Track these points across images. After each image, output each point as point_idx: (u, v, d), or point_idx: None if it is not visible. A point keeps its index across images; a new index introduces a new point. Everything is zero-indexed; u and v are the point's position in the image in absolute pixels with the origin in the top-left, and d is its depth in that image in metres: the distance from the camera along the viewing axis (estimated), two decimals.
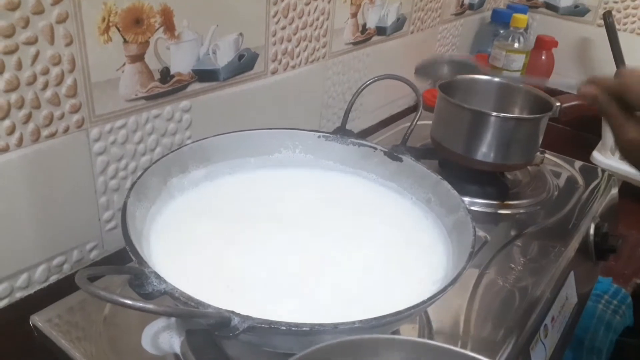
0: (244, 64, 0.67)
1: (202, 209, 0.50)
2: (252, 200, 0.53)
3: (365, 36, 0.86)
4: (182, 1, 0.56)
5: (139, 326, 0.48)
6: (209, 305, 0.33)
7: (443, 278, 0.45)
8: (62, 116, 0.50)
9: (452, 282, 0.39)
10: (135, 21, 0.53)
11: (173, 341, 0.47)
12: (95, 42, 0.50)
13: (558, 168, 0.88)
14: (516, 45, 1.04)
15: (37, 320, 0.49)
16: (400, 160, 0.56)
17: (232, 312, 0.32)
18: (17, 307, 0.53)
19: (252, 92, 0.69)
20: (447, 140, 0.75)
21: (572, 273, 0.67)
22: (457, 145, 0.73)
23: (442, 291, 0.38)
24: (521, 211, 0.72)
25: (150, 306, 0.28)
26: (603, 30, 1.11)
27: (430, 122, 0.79)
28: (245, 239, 0.48)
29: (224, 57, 0.64)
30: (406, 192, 0.55)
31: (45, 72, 0.48)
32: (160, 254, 0.43)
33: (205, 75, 0.62)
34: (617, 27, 1.13)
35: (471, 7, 1.17)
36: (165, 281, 0.34)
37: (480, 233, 0.65)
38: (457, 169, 0.74)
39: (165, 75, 0.58)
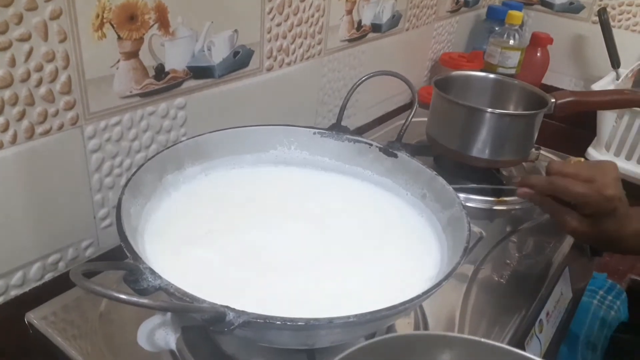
0: (239, 60, 0.66)
1: (198, 205, 0.50)
2: (248, 197, 0.53)
3: (360, 33, 0.86)
4: None
5: (135, 323, 0.48)
6: (204, 301, 0.33)
7: (438, 273, 0.45)
8: (56, 113, 0.50)
9: (447, 277, 0.39)
10: (130, 18, 0.53)
11: (169, 338, 0.47)
12: (90, 39, 0.50)
13: None
14: (511, 42, 1.04)
15: (33, 317, 0.49)
16: (396, 156, 0.56)
17: (227, 307, 0.32)
18: (12, 305, 0.53)
19: (247, 89, 0.69)
20: (443, 137, 0.75)
21: (567, 269, 0.67)
22: (453, 142, 0.73)
23: (437, 285, 0.38)
24: (516, 207, 0.72)
25: (145, 301, 0.28)
26: (598, 27, 1.11)
27: (425, 119, 0.79)
28: (241, 235, 0.48)
29: (219, 54, 0.63)
30: (401, 188, 0.55)
31: (39, 68, 0.47)
32: (155, 251, 0.43)
33: (200, 72, 0.62)
34: (612, 23, 1.13)
35: (466, 4, 1.17)
36: (160, 277, 0.34)
37: (476, 229, 0.66)
38: (453, 166, 0.74)
39: (160, 72, 0.58)
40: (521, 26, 1.06)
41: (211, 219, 0.49)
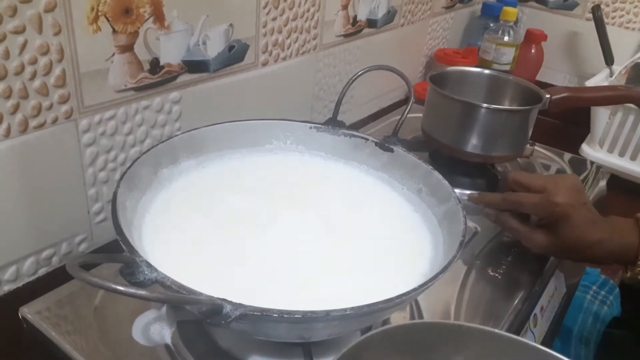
0: (235, 55, 0.66)
1: (193, 199, 0.50)
2: (243, 191, 0.53)
3: (356, 28, 0.86)
4: None
5: (130, 318, 0.48)
6: (201, 293, 0.32)
7: (433, 267, 0.45)
8: (50, 107, 0.50)
9: (443, 270, 0.39)
10: (125, 11, 0.52)
11: (164, 332, 0.47)
12: (84, 32, 0.50)
13: (547, 160, 0.89)
14: (506, 38, 1.04)
15: (27, 312, 0.49)
16: (392, 151, 0.56)
17: (224, 299, 0.32)
18: (5, 300, 0.53)
19: (242, 83, 0.69)
20: (438, 132, 0.75)
21: (560, 264, 0.67)
22: (448, 137, 0.73)
23: (433, 279, 0.38)
24: None
25: (142, 292, 0.28)
26: (592, 24, 1.12)
27: (420, 115, 0.79)
28: (237, 229, 0.48)
29: (214, 48, 0.63)
30: (397, 183, 0.55)
31: (34, 61, 0.47)
32: (151, 244, 0.43)
33: (195, 66, 0.62)
34: (606, 20, 1.14)
35: (461, 0, 1.17)
36: (156, 270, 0.34)
37: (471, 224, 0.66)
38: (448, 161, 0.74)
39: (155, 66, 0.57)
40: (516, 23, 1.07)
41: (207, 212, 0.49)
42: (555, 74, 1.28)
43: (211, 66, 0.64)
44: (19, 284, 0.54)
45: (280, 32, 0.71)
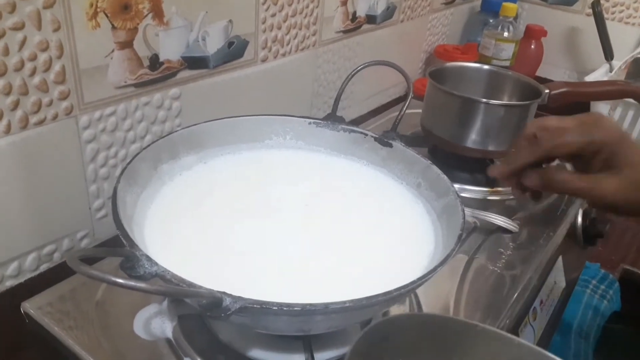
0: (234, 51, 0.66)
1: (194, 194, 0.50)
2: (244, 185, 0.53)
3: (355, 24, 0.86)
4: None
5: (131, 312, 0.49)
6: (201, 286, 0.33)
7: (432, 261, 0.45)
8: (50, 103, 0.50)
9: (442, 263, 0.39)
10: (124, 7, 0.52)
11: (165, 326, 0.47)
12: (83, 28, 0.50)
13: None
14: (506, 34, 1.04)
15: (29, 307, 0.49)
16: (391, 146, 0.56)
17: (224, 292, 0.32)
18: (8, 296, 0.53)
19: (242, 80, 0.69)
20: (437, 128, 0.75)
21: (560, 258, 0.68)
22: (447, 132, 0.74)
23: (432, 271, 0.38)
24: (510, 197, 0.73)
25: (142, 285, 0.28)
26: (592, 19, 1.12)
27: (419, 110, 0.79)
28: (237, 223, 0.48)
29: (213, 44, 0.63)
30: (396, 178, 0.56)
31: (33, 58, 0.47)
32: (151, 239, 0.43)
33: (194, 62, 0.62)
34: (606, 16, 1.14)
35: None
36: (156, 264, 0.34)
37: (470, 218, 0.66)
38: (447, 156, 0.74)
39: (155, 62, 0.58)
40: (515, 18, 1.07)
41: (207, 207, 0.49)
42: (555, 69, 1.28)
43: (211, 62, 0.64)
44: (21, 279, 0.54)
45: (279, 28, 0.72)
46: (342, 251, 0.47)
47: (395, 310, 0.51)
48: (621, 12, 1.19)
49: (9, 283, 0.53)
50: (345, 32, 0.85)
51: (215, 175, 0.53)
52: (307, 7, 0.75)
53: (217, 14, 0.62)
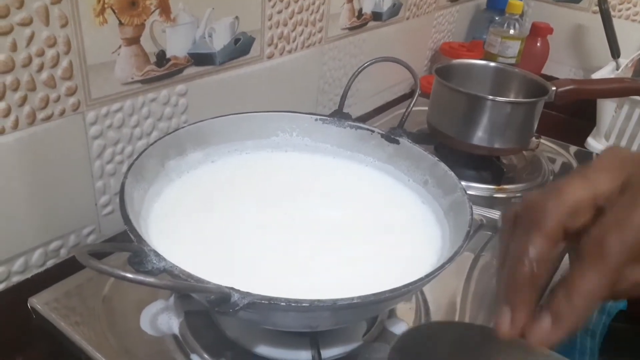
0: (240, 48, 0.66)
1: (200, 190, 0.50)
2: (250, 182, 0.53)
3: (361, 21, 0.86)
4: None
5: (137, 308, 0.49)
6: (209, 282, 0.33)
7: (439, 259, 0.45)
8: (58, 99, 0.50)
9: (450, 260, 0.39)
10: (131, 3, 0.52)
11: (172, 322, 0.47)
12: (91, 24, 0.50)
13: (553, 153, 0.88)
14: (511, 31, 1.03)
15: (36, 303, 0.49)
16: (397, 142, 0.56)
17: (232, 288, 0.32)
18: (15, 291, 0.53)
19: (248, 76, 0.69)
20: (443, 125, 0.75)
21: (567, 255, 0.67)
22: (453, 130, 0.73)
23: (439, 269, 0.38)
24: (517, 195, 0.73)
25: (151, 280, 0.28)
26: (598, 17, 1.11)
27: (425, 108, 0.79)
28: (243, 220, 0.48)
29: (220, 41, 0.63)
30: (403, 175, 0.55)
31: (41, 53, 0.47)
32: (158, 234, 0.43)
33: (201, 58, 0.62)
34: (612, 13, 1.13)
35: None
36: (164, 259, 0.34)
37: (477, 215, 0.66)
38: (453, 153, 0.74)
39: (161, 58, 0.58)
40: (521, 16, 1.06)
41: (214, 203, 0.49)
42: (561, 67, 1.27)
43: (217, 59, 0.64)
44: (28, 275, 0.54)
45: (285, 25, 0.71)
46: (350, 248, 0.47)
47: (402, 307, 0.51)
48: (628, 9, 1.18)
49: (15, 279, 0.53)
50: (351, 29, 0.85)
51: (221, 172, 0.53)
52: (314, 3, 0.75)
53: (223, 10, 0.62)
